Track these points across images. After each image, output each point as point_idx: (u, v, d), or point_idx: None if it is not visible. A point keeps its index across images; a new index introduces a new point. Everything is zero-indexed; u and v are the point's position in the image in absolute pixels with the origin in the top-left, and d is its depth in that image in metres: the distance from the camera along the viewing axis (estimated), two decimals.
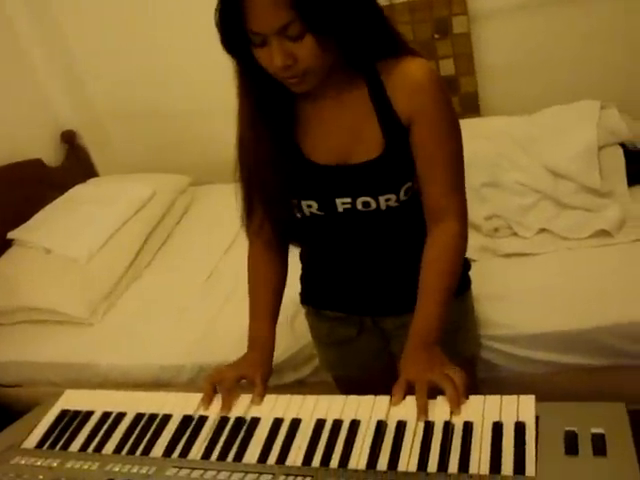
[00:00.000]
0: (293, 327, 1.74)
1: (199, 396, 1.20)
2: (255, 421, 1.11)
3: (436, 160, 1.11)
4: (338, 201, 1.16)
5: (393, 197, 1.13)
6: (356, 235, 1.21)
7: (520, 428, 0.96)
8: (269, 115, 1.12)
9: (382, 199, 1.13)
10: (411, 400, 1.04)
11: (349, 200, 1.15)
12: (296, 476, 0.98)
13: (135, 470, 1.08)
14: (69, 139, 2.77)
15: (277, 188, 1.16)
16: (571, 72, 2.22)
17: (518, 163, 1.87)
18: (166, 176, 2.61)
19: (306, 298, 1.41)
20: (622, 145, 1.84)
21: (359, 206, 1.15)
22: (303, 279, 1.40)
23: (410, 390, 1.05)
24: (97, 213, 2.35)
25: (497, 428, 0.97)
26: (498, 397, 1.02)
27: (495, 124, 1.97)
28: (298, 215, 1.21)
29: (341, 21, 1.00)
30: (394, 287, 1.28)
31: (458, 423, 0.99)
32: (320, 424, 1.07)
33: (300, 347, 1.70)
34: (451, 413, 1.00)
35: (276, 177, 1.15)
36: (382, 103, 1.10)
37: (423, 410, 1.01)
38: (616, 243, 1.66)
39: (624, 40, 2.16)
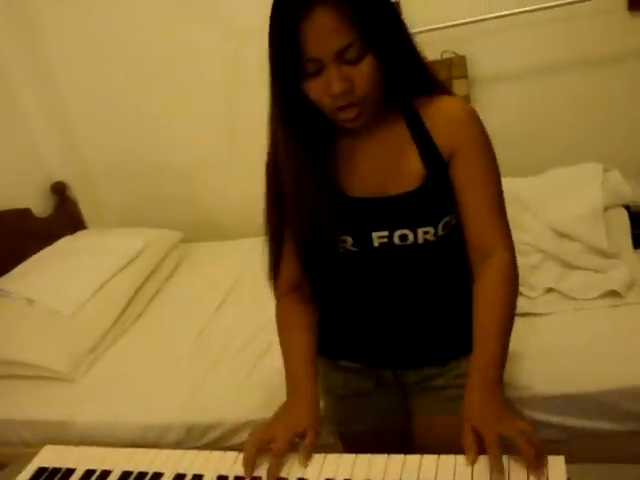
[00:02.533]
0: None
1: (192, 453, 1.10)
2: None
3: (481, 192, 1.09)
4: (374, 235, 1.11)
5: (431, 230, 1.09)
6: (388, 274, 1.16)
7: None
8: (309, 148, 1.09)
9: (420, 231, 1.09)
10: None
11: (386, 233, 1.11)
12: None
13: None
14: (59, 190, 2.71)
15: (321, 221, 1.10)
16: (571, 136, 2.25)
17: (522, 223, 1.85)
18: (158, 231, 2.55)
19: (320, 347, 1.32)
20: (626, 207, 1.83)
21: (396, 240, 1.11)
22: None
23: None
24: (85, 264, 2.27)
25: None
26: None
27: None
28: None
29: (396, 43, 1.02)
30: (420, 338, 1.21)
31: None
32: None
33: None
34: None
35: (319, 209, 1.10)
36: (422, 136, 1.09)
37: (499, 467, 0.89)
38: (626, 304, 1.62)
39: (624, 105, 2.21)
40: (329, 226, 1.11)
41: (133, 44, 2.57)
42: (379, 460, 1.00)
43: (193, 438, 1.65)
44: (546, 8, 2.10)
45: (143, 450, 1.19)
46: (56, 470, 1.16)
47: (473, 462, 0.93)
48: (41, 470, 1.17)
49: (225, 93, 2.57)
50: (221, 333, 1.99)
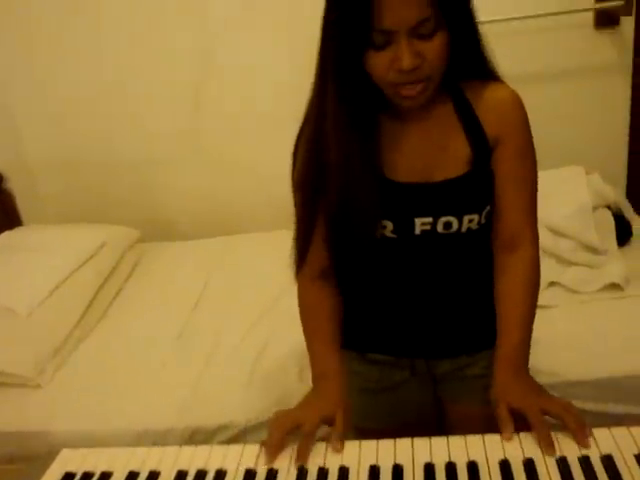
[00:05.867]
0: (302, 379, 1.56)
1: (252, 448, 1.00)
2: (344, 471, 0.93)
3: (522, 183, 1.09)
4: (417, 221, 1.07)
5: (476, 218, 1.07)
6: (425, 263, 1.12)
7: None
8: (358, 127, 1.03)
9: (466, 219, 1.07)
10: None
11: (430, 220, 1.07)
12: None
13: None
14: None
15: (364, 203, 1.04)
16: (546, 142, 2.34)
17: None
18: (114, 227, 2.36)
19: (349, 341, 1.26)
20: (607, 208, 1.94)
21: (439, 227, 1.07)
22: (344, 320, 1.26)
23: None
24: (37, 262, 2.05)
25: None
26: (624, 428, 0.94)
27: None
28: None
29: (467, 21, 0.99)
30: (455, 326, 1.18)
31: (594, 456, 0.89)
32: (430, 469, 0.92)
33: None
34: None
35: (363, 190, 1.04)
36: (470, 121, 1.07)
37: (550, 442, 0.90)
38: (626, 297, 1.71)
39: (591, 115, 2.34)
40: (371, 209, 1.05)
41: (87, 26, 2.37)
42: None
43: (197, 442, 1.51)
44: (517, 19, 2.20)
45: (187, 448, 1.07)
46: (88, 475, 1.01)
47: (509, 439, 0.93)
48: (68, 476, 1.02)
49: (188, 85, 2.43)
50: (205, 332, 1.87)
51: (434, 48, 0.93)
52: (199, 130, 2.50)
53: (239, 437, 1.51)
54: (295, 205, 1.14)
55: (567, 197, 1.89)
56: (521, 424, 0.95)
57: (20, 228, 2.40)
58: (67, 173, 2.60)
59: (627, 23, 2.22)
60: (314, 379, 1.09)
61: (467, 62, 1.05)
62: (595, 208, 1.89)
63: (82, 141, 2.54)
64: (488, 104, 1.07)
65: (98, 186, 2.61)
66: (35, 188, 2.62)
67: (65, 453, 1.09)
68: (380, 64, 0.95)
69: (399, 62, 0.92)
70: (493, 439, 0.94)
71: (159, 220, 2.63)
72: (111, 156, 2.56)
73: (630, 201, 2.23)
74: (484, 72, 1.08)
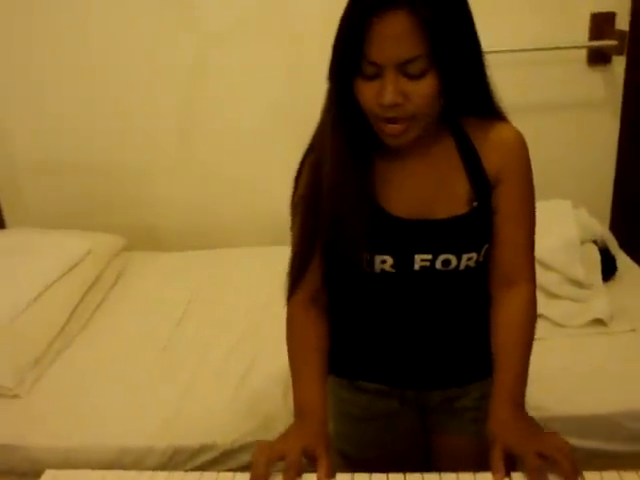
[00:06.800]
0: (287, 400, 1.55)
1: (244, 476, 1.00)
2: None
3: (519, 221, 1.10)
4: (417, 257, 1.08)
5: (474, 256, 1.08)
6: (421, 298, 1.13)
7: None
8: (354, 153, 1.04)
9: (465, 257, 1.08)
10: None
11: (429, 257, 1.08)
12: None
13: None
14: None
15: (351, 232, 1.04)
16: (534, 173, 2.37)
17: None
18: (99, 234, 2.33)
19: (340, 369, 1.25)
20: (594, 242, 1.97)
21: (438, 264, 1.08)
22: (335, 347, 1.26)
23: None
24: (21, 268, 2.01)
25: None
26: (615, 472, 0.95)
27: None
28: (365, 271, 1.09)
29: (465, 64, 0.98)
30: (447, 359, 1.19)
31: None
32: None
33: None
34: None
35: (352, 219, 1.04)
36: (471, 158, 1.08)
37: None
38: (612, 332, 1.73)
39: (579, 150, 2.38)
40: (358, 239, 1.05)
41: (79, 32, 2.34)
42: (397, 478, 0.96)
43: (178, 462, 1.49)
44: (513, 51, 2.24)
45: (176, 474, 1.05)
46: None
47: None
48: None
49: (181, 95, 2.42)
50: (190, 347, 1.85)
51: (420, 90, 0.94)
52: (191, 142, 2.49)
53: (221, 459, 1.49)
54: (292, 229, 1.13)
55: (554, 230, 1.91)
56: (512, 463, 0.96)
57: (3, 231, 2.36)
58: (54, 177, 2.56)
59: (618, 62, 2.28)
60: (296, 413, 1.08)
61: (469, 99, 1.06)
62: (582, 242, 1.92)
63: (68, 146, 2.51)
64: (491, 143, 1.08)
65: (82, 192, 2.56)
66: (19, 192, 2.57)
67: (49, 475, 1.07)
68: (367, 94, 0.97)
69: (381, 96, 0.94)
70: (485, 477, 0.95)
71: (146, 228, 2.59)
72: (100, 162, 2.53)
73: (614, 235, 2.28)
74: (488, 109, 1.08)
